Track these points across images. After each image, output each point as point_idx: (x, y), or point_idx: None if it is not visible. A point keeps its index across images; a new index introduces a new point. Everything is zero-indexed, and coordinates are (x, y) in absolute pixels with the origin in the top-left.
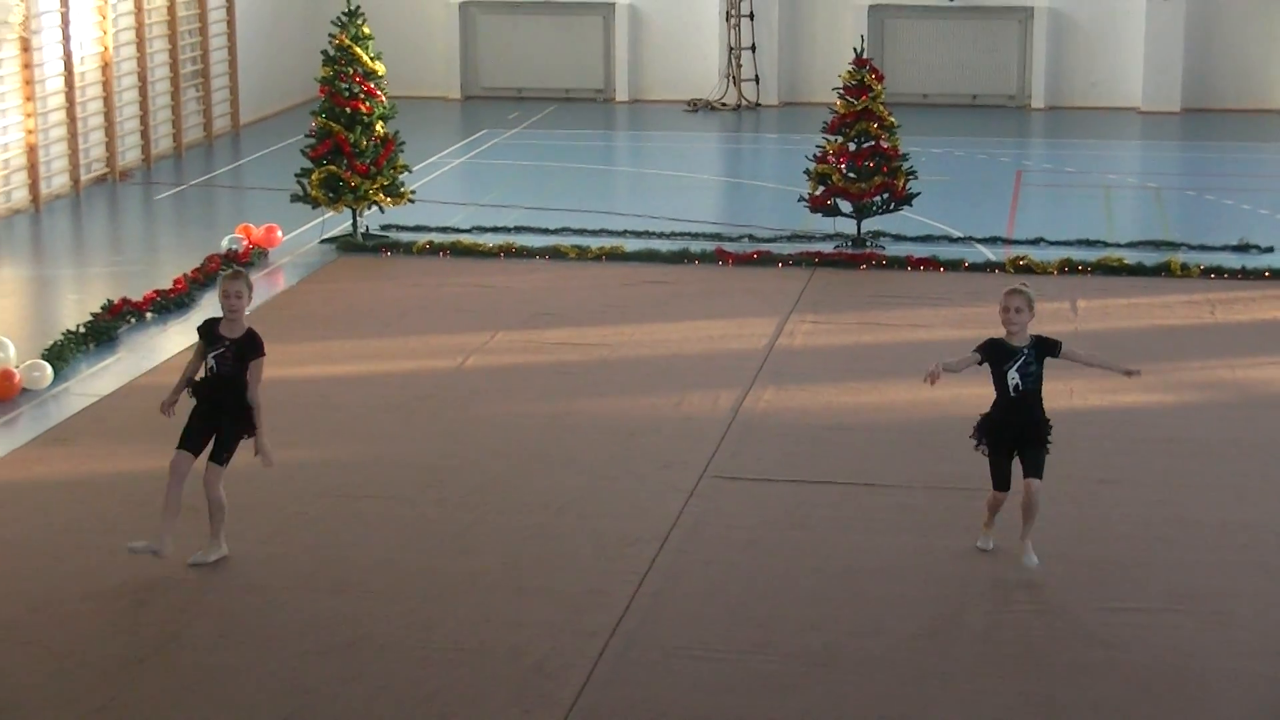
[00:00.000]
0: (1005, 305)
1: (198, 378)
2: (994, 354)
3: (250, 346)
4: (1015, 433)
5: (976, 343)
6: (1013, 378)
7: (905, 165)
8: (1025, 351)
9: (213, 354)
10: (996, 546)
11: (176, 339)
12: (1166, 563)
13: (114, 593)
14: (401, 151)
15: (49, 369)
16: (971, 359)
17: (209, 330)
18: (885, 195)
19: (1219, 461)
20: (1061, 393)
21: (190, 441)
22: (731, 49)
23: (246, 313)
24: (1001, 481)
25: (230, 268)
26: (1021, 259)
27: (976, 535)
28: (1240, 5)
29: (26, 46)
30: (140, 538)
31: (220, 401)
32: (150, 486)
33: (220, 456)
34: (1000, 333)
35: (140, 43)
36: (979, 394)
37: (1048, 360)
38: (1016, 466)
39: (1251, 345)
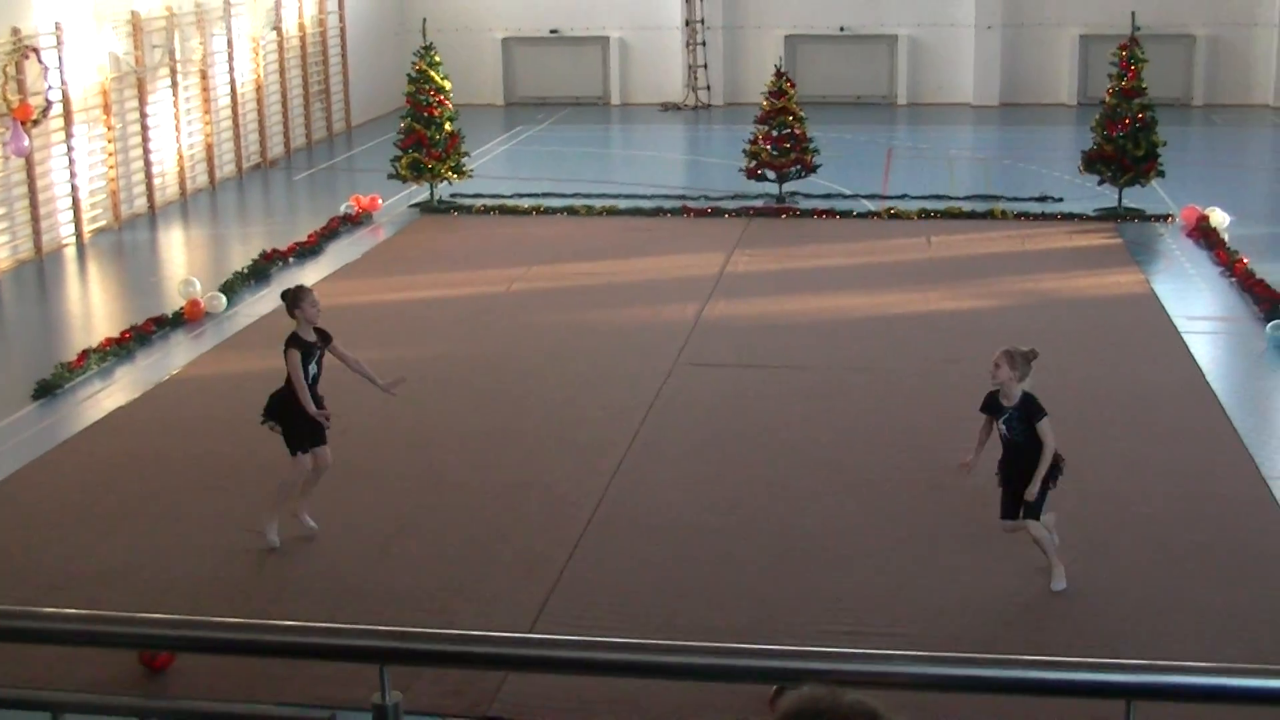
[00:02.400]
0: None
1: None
2: (989, 407)
3: (325, 337)
4: (1015, 475)
5: (867, 273)
6: (1000, 428)
7: (811, 145)
8: (1011, 411)
9: (313, 361)
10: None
11: (311, 276)
12: None
13: (271, 451)
14: (463, 142)
15: (224, 298)
16: (983, 427)
17: (299, 342)
18: (798, 167)
19: (1025, 344)
20: (919, 300)
21: (314, 442)
22: (690, 66)
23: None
24: (1004, 511)
25: (297, 287)
26: (892, 209)
27: (864, 401)
28: (1038, 31)
29: (205, 74)
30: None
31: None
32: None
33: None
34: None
35: (281, 70)
36: (868, 302)
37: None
38: None
39: (1047, 265)
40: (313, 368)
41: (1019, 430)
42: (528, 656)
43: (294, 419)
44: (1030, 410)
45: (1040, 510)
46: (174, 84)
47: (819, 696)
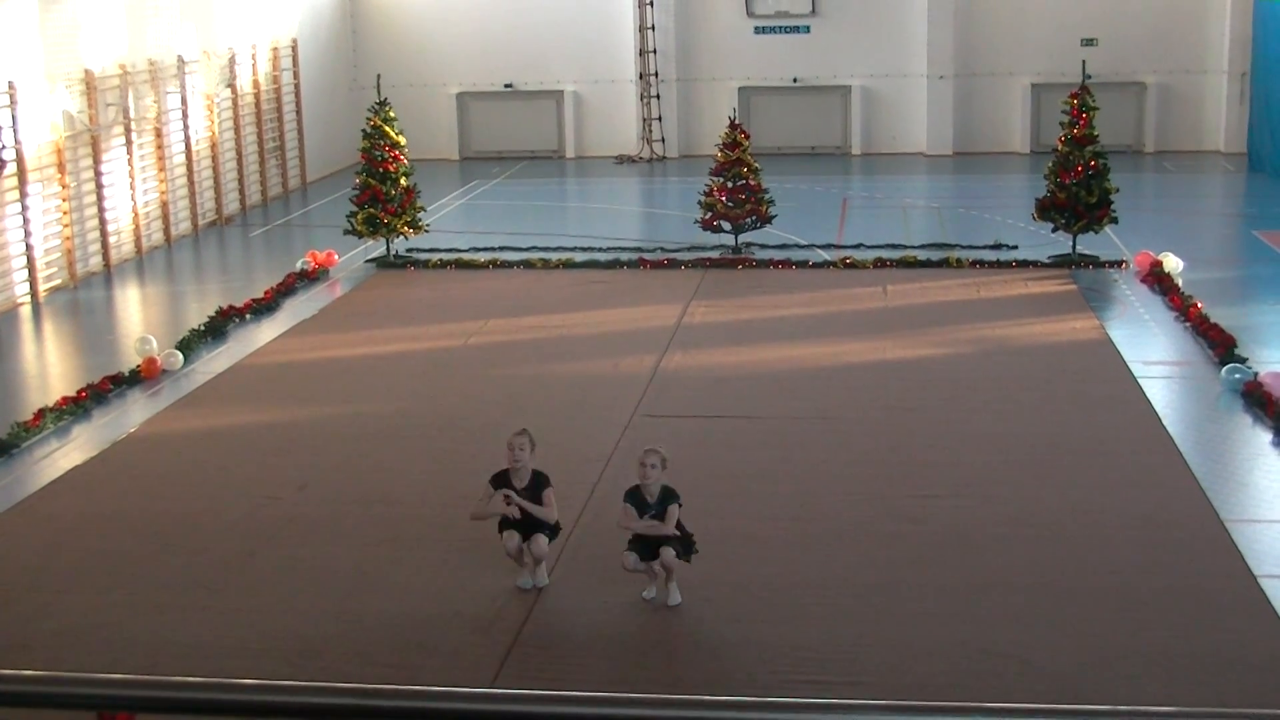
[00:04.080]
0: (641, 461)
1: (499, 516)
2: (635, 502)
3: (540, 484)
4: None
5: (824, 323)
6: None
7: (766, 196)
8: (654, 507)
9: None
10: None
11: (268, 332)
12: (951, 463)
13: (230, 509)
14: (418, 197)
15: (181, 356)
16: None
17: (502, 483)
18: (753, 217)
19: (983, 393)
20: (876, 349)
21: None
22: (645, 119)
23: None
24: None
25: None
26: (848, 259)
27: (822, 450)
28: (990, 80)
29: (159, 132)
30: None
31: (528, 526)
32: (252, 435)
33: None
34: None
35: (236, 127)
36: (825, 351)
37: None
38: None
39: (1004, 313)
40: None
41: (659, 516)
42: (492, 712)
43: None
44: (667, 498)
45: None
46: (129, 142)
47: None
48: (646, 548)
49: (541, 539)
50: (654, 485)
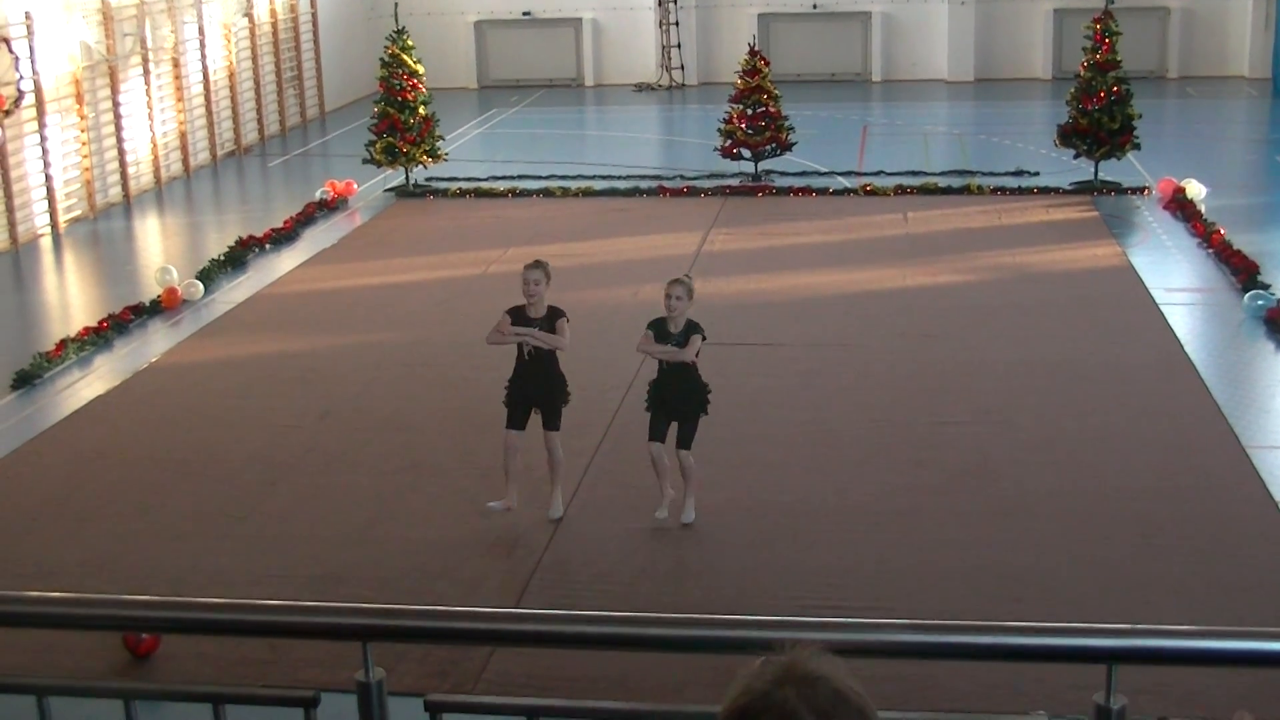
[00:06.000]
0: (667, 293)
1: (516, 360)
2: (658, 333)
3: (555, 315)
4: (669, 399)
5: (844, 250)
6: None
7: (786, 123)
8: (677, 336)
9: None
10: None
11: (287, 261)
12: (971, 390)
13: (251, 437)
14: (437, 126)
15: (201, 285)
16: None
17: (519, 316)
18: (773, 145)
19: (1004, 319)
20: (897, 276)
21: (516, 421)
22: (664, 47)
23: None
24: (654, 435)
25: (534, 261)
26: (868, 186)
27: (842, 378)
28: (1012, 5)
29: (177, 62)
30: (493, 500)
31: (538, 376)
32: (273, 364)
33: (553, 424)
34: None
35: (254, 56)
36: (845, 279)
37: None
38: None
39: (1024, 239)
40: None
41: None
42: (513, 631)
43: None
44: (691, 329)
45: (691, 442)
46: (146, 72)
47: (767, 692)
48: (665, 411)
49: (553, 438)
50: (679, 317)
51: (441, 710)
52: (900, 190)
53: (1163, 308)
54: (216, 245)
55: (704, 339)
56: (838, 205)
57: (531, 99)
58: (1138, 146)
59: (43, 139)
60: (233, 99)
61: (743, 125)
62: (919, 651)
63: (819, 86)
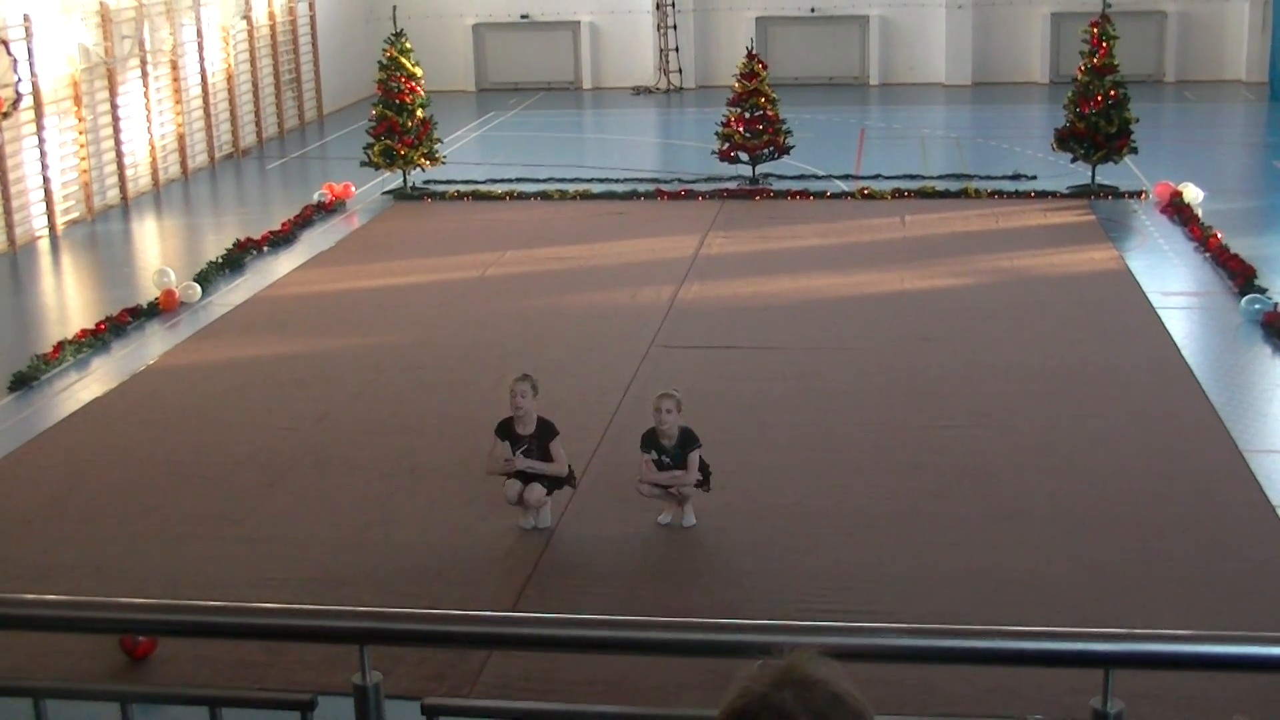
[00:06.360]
0: (656, 406)
1: (510, 473)
2: (650, 446)
3: (546, 433)
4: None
5: (841, 253)
6: (657, 462)
7: (784, 127)
8: (674, 451)
9: (519, 450)
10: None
11: (285, 264)
12: (969, 393)
13: (249, 440)
14: (435, 129)
15: (199, 288)
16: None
17: (507, 431)
18: (771, 148)
19: (1001, 322)
20: (893, 280)
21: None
22: (662, 50)
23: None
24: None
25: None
26: (866, 189)
27: (840, 382)
28: (1009, 9)
29: (175, 65)
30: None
31: (537, 477)
32: (271, 367)
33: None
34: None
35: (252, 59)
36: (842, 282)
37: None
38: None
39: (1021, 243)
40: (520, 457)
41: (678, 461)
42: (510, 634)
43: None
44: (687, 441)
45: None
46: (144, 74)
47: (765, 694)
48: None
49: (538, 488)
50: (671, 429)
51: (438, 714)
52: (898, 194)
53: (1160, 311)
54: (214, 247)
55: (700, 447)
56: (835, 208)
57: (529, 102)
58: (1135, 150)
59: (41, 141)
60: (231, 101)
61: (740, 128)
62: (917, 655)
63: (817, 90)
